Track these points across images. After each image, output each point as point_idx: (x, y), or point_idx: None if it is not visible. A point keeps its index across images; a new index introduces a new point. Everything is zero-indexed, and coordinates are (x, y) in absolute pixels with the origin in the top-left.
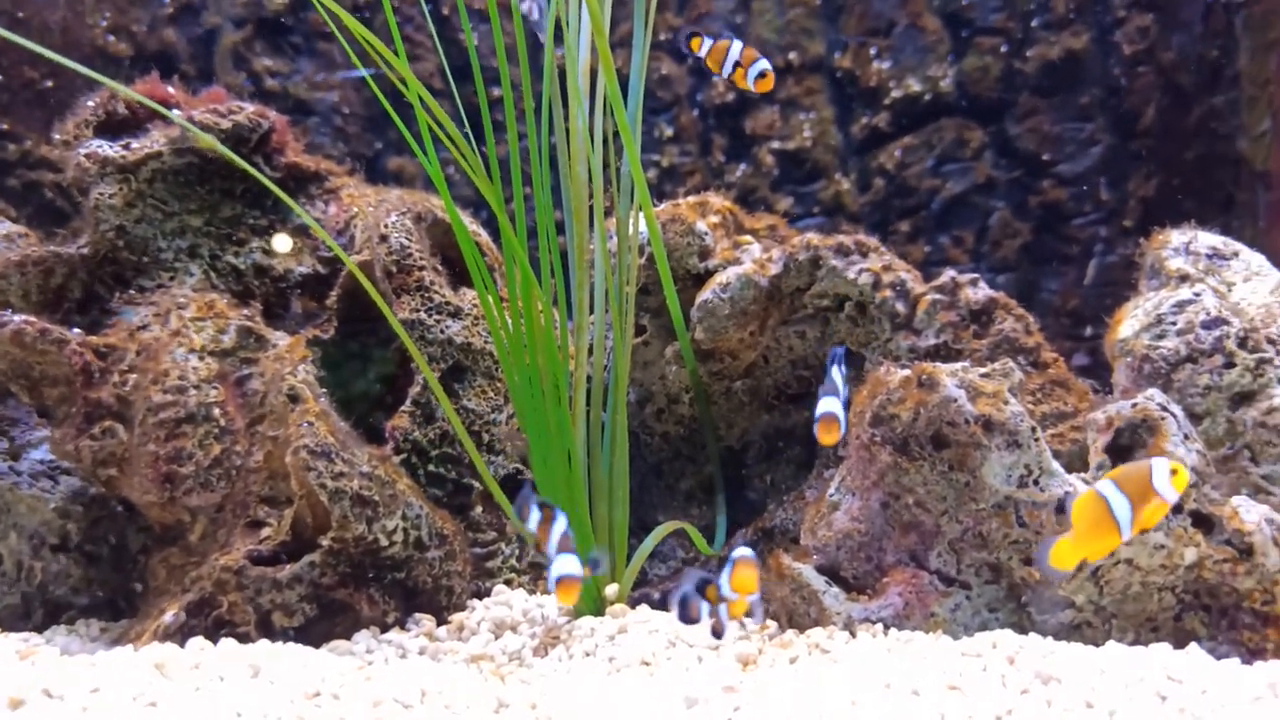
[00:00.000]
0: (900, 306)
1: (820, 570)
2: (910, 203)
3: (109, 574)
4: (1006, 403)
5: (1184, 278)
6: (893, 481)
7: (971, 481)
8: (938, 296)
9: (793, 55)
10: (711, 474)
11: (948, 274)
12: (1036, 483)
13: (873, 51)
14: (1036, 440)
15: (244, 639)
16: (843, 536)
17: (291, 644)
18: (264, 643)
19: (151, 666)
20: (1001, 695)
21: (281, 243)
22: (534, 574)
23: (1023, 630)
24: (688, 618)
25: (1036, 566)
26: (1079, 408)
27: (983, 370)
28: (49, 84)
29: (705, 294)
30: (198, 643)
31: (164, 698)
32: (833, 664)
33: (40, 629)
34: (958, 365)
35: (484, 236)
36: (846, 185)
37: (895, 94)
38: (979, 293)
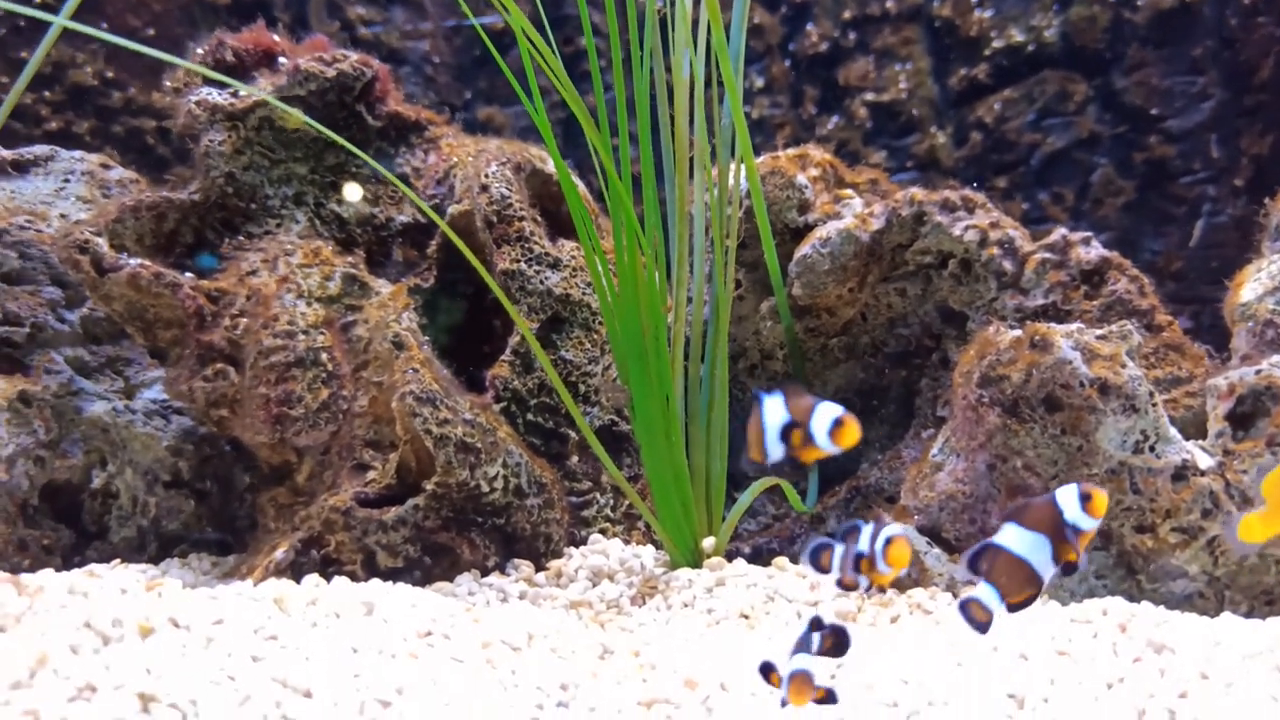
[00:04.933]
0: (1008, 265)
1: (921, 530)
2: (1009, 158)
3: (218, 510)
4: (1124, 366)
5: None
6: (1000, 443)
7: (1085, 446)
8: (1047, 255)
9: (890, 3)
10: None
11: (1059, 232)
12: (1153, 449)
13: (974, 0)
14: (1154, 406)
15: (351, 578)
16: (945, 498)
17: (400, 584)
18: (375, 582)
19: (270, 601)
20: (1113, 663)
21: (352, 191)
22: (628, 524)
23: (1132, 598)
24: (820, 566)
25: (1225, 538)
26: (1194, 373)
27: (1099, 332)
28: (150, 32)
29: (804, 249)
30: (313, 579)
31: (284, 632)
32: (935, 625)
33: (154, 561)
34: (1072, 326)
35: (581, 188)
36: (942, 139)
37: (996, 44)
38: (1091, 252)
